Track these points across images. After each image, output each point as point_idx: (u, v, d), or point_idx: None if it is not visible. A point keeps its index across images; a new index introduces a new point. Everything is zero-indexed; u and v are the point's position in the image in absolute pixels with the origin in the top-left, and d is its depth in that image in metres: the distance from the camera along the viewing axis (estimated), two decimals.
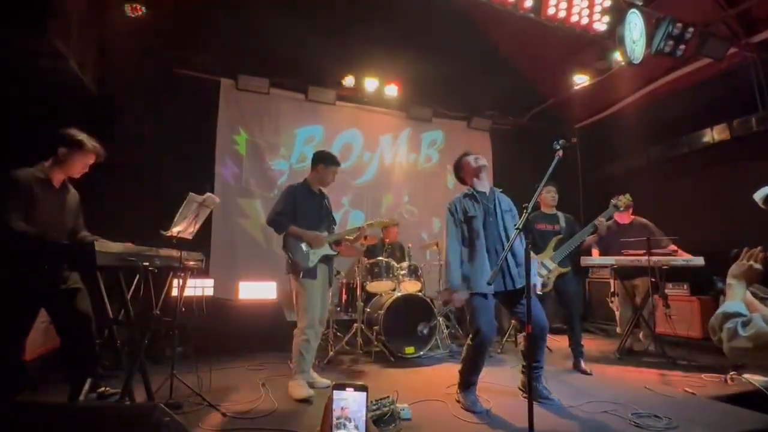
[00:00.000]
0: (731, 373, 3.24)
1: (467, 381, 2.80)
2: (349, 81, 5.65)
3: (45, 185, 2.49)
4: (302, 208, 3.19)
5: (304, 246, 3.12)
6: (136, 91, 4.68)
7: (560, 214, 3.98)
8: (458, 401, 2.80)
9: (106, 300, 2.58)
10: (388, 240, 5.18)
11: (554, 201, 3.97)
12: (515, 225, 2.84)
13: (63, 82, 3.66)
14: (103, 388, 2.69)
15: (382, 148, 6.36)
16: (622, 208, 3.85)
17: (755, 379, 3.06)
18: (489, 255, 2.78)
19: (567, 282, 3.75)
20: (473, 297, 2.73)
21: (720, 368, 3.42)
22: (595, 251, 4.45)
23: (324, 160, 3.30)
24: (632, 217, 4.39)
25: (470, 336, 2.78)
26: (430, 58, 5.82)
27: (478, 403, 2.72)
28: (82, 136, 2.56)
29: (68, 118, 2.67)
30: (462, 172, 3.07)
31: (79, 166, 2.60)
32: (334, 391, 0.68)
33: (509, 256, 2.75)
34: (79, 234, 2.71)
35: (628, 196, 3.86)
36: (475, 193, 2.95)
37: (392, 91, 5.87)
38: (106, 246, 2.19)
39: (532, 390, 2.82)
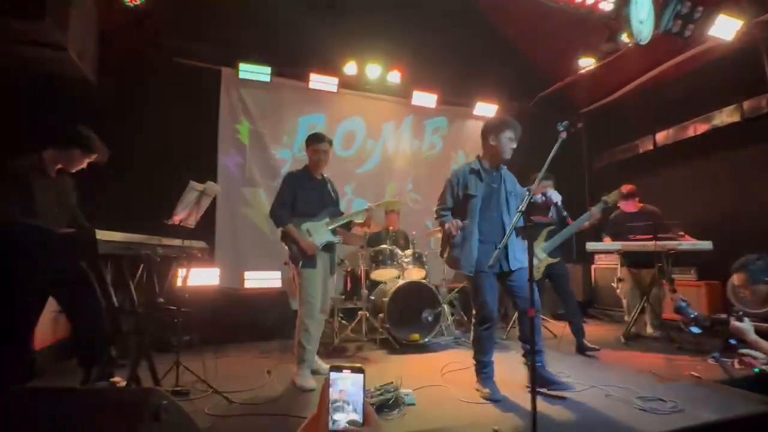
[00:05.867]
0: (738, 355, 3.20)
1: (480, 363, 2.74)
2: (351, 68, 5.56)
3: (42, 176, 2.49)
4: (300, 195, 3.14)
5: (305, 232, 3.06)
6: (136, 81, 4.66)
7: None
8: (477, 390, 2.72)
9: (111, 289, 2.59)
10: (392, 228, 5.16)
11: None
12: (518, 207, 2.83)
13: (62, 72, 3.64)
14: (116, 379, 2.71)
15: (385, 136, 6.30)
16: (610, 203, 3.72)
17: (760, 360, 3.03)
18: (482, 236, 2.71)
19: (558, 269, 3.80)
20: (478, 274, 2.69)
21: (727, 352, 3.40)
22: (606, 239, 4.37)
23: (308, 142, 3.23)
24: (640, 204, 4.33)
25: (474, 314, 2.79)
26: (433, 43, 5.74)
27: (498, 392, 2.64)
28: (95, 141, 2.62)
29: (67, 109, 2.67)
30: (490, 138, 2.85)
31: (83, 164, 2.65)
32: (331, 374, 0.66)
33: (511, 238, 2.65)
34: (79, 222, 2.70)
35: (616, 192, 3.75)
36: (481, 169, 2.84)
37: (395, 77, 5.75)
38: (108, 234, 2.19)
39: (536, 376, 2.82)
